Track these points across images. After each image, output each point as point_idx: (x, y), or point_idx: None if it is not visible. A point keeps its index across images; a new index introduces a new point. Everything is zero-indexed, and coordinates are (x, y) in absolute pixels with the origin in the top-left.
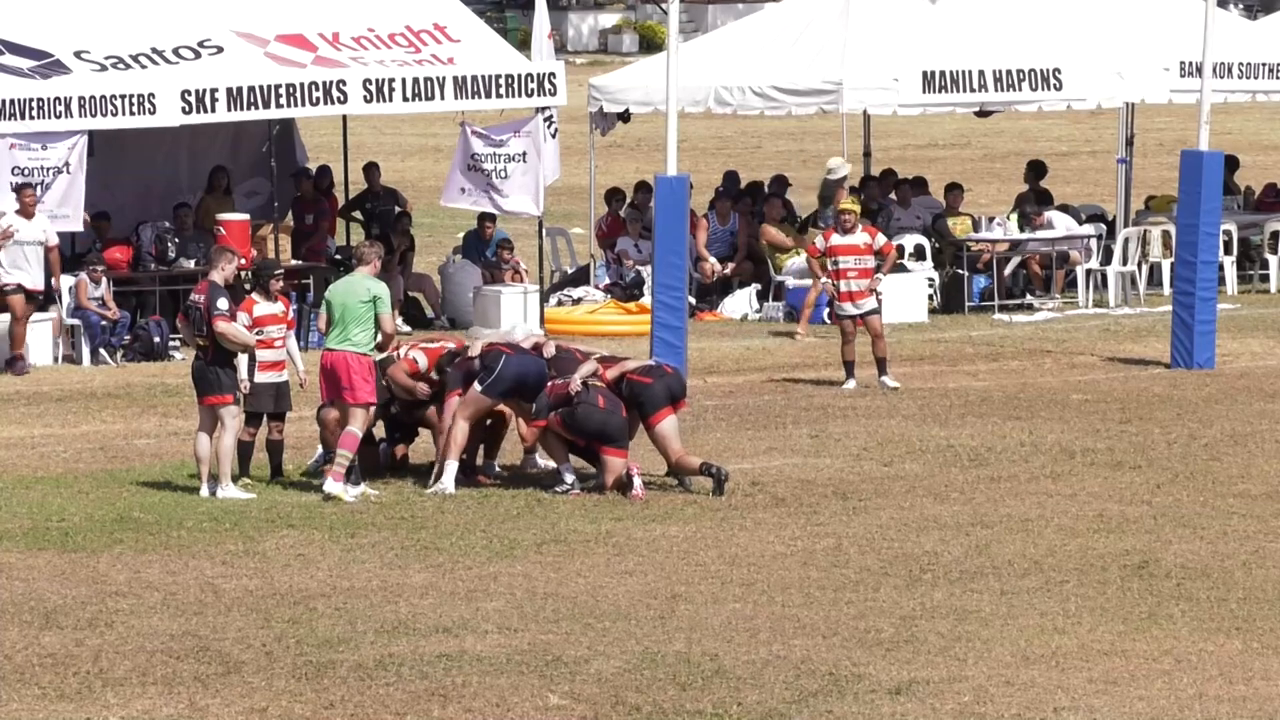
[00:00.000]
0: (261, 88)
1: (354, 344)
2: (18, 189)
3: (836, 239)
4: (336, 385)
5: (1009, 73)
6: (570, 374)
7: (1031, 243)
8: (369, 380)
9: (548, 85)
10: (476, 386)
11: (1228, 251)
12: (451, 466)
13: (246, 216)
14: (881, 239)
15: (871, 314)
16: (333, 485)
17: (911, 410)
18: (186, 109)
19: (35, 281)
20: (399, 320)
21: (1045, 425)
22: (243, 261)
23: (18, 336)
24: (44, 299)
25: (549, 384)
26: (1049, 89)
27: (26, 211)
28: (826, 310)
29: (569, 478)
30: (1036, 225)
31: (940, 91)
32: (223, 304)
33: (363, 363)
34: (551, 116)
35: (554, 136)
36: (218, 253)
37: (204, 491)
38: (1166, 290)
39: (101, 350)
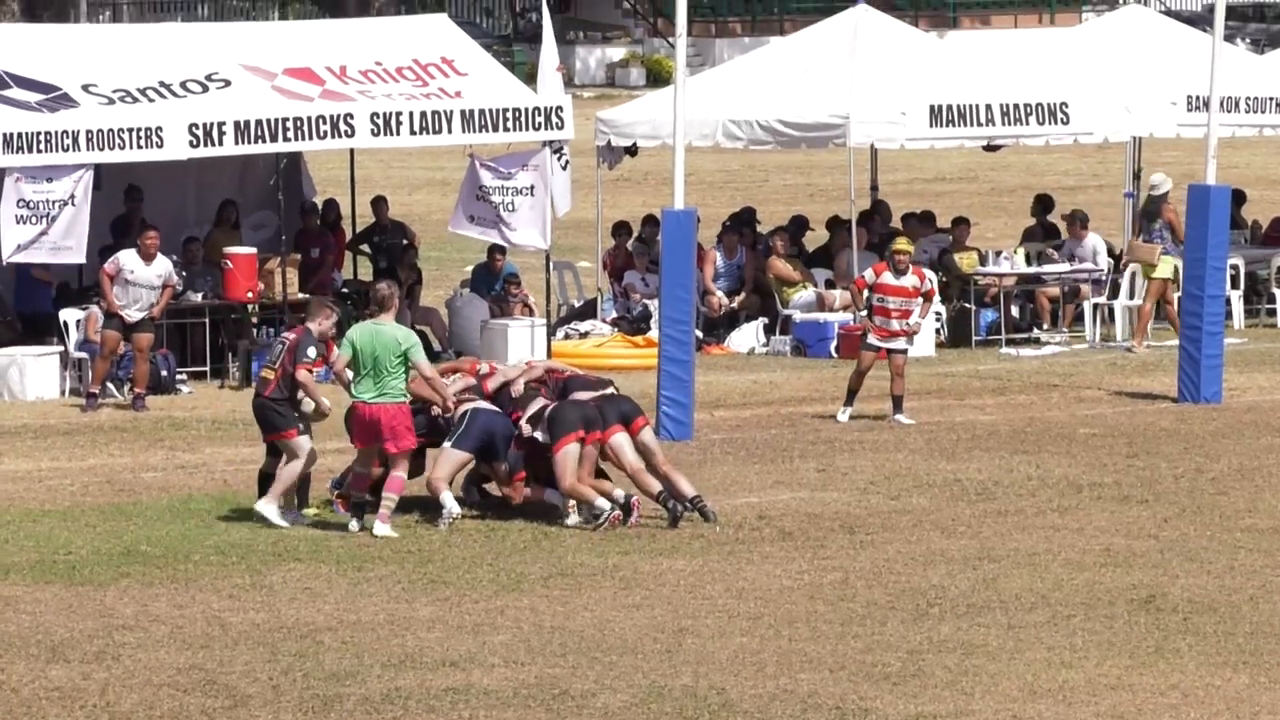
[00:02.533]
0: (269, 121)
1: (390, 396)
2: (141, 230)
3: (889, 278)
4: (378, 436)
5: (1016, 107)
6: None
7: (1046, 275)
8: (409, 425)
9: (555, 119)
10: (447, 444)
11: (1235, 286)
12: (448, 495)
13: (254, 250)
14: (930, 282)
15: (897, 352)
16: (381, 528)
17: (918, 444)
18: (194, 142)
19: (133, 316)
20: None
21: (1052, 459)
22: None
23: (99, 372)
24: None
25: (514, 436)
26: (1056, 123)
27: (146, 254)
28: (834, 344)
29: (603, 505)
30: (1075, 237)
31: (947, 125)
32: (311, 353)
33: (402, 410)
34: (562, 149)
35: (565, 169)
36: (317, 306)
37: (268, 509)
38: None
39: (109, 384)
